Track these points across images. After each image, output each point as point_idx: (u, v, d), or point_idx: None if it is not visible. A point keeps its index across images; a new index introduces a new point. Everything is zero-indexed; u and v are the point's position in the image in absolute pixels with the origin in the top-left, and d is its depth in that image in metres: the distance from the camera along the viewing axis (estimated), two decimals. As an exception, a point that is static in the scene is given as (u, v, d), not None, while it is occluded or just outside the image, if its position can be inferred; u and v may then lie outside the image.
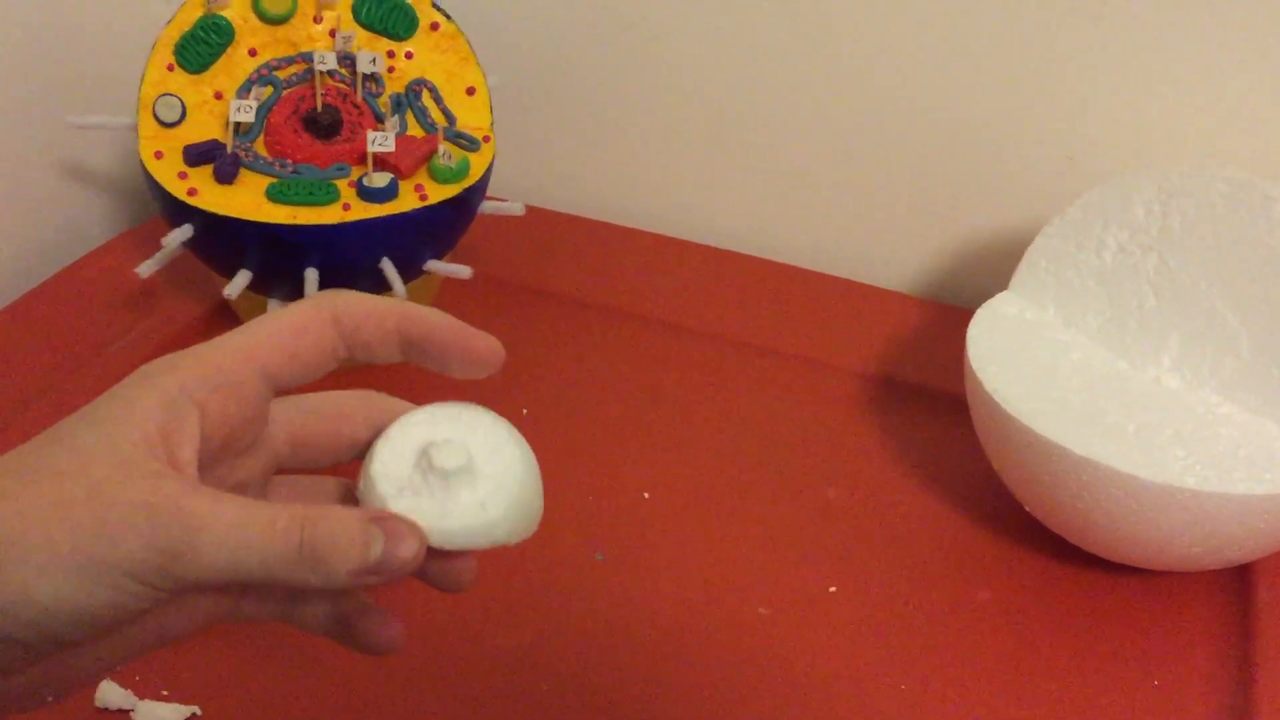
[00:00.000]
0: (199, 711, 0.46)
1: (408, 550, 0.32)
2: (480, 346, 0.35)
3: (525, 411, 0.62)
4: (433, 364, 0.35)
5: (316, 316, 0.34)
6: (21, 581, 0.29)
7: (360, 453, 0.36)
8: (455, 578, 0.35)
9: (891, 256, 0.74)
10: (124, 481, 0.30)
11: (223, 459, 0.34)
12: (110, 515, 0.29)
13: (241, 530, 0.30)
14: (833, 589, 0.53)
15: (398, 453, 0.34)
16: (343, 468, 0.37)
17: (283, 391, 0.35)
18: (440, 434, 0.34)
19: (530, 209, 0.66)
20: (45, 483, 0.29)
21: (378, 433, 0.35)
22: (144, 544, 0.29)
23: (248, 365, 0.33)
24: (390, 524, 0.32)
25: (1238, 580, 0.54)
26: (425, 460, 0.33)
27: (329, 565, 0.31)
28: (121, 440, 0.30)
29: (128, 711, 0.46)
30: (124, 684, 0.47)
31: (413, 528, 0.32)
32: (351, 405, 0.37)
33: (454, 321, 0.35)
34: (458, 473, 0.33)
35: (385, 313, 0.35)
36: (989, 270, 0.70)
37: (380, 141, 0.56)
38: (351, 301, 0.35)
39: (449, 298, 0.68)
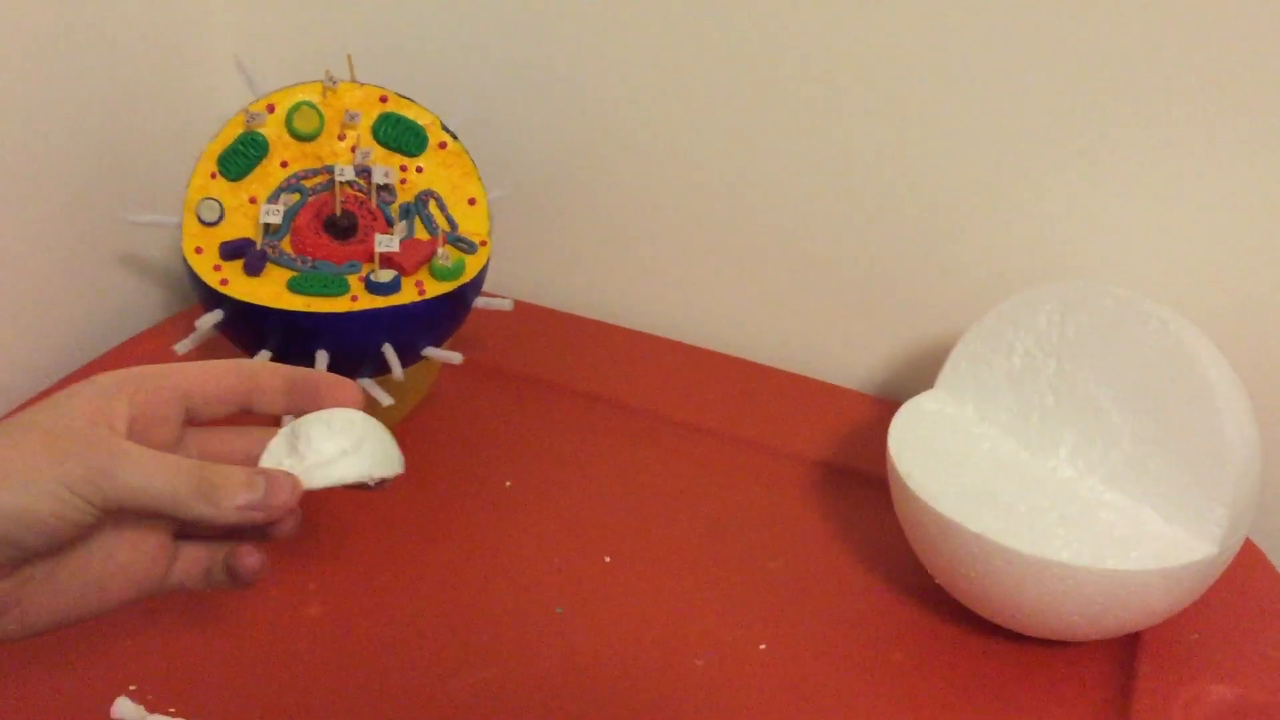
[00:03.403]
0: (201, 726, 0.53)
1: (285, 490, 0.42)
2: (352, 387, 0.46)
3: (509, 484, 0.69)
4: (313, 403, 0.46)
5: (229, 367, 0.46)
6: None
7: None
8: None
9: (840, 356, 0.79)
10: (71, 430, 0.41)
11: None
12: (57, 445, 0.40)
13: (154, 463, 0.41)
14: (763, 646, 0.59)
15: (275, 445, 0.45)
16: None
17: (195, 417, 0.46)
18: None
19: (519, 305, 0.73)
20: (13, 434, 0.40)
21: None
22: (80, 462, 0.40)
23: (168, 379, 0.45)
24: (271, 474, 0.43)
25: (1125, 650, 0.59)
26: (291, 434, 0.44)
27: (220, 498, 0.41)
28: (69, 415, 0.41)
29: (140, 724, 0.53)
30: (137, 700, 0.54)
31: (289, 476, 0.43)
32: (249, 432, 0.47)
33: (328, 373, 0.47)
34: (315, 425, 0.44)
35: (278, 368, 0.46)
36: (923, 369, 0.76)
37: (386, 243, 0.64)
38: (255, 362, 0.46)
39: (444, 381, 0.76)
